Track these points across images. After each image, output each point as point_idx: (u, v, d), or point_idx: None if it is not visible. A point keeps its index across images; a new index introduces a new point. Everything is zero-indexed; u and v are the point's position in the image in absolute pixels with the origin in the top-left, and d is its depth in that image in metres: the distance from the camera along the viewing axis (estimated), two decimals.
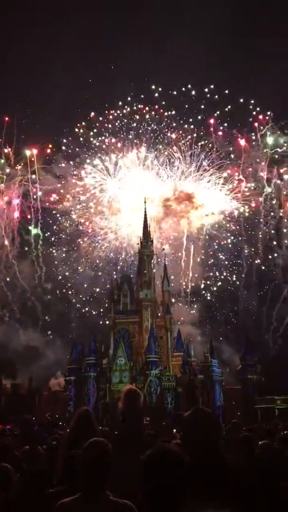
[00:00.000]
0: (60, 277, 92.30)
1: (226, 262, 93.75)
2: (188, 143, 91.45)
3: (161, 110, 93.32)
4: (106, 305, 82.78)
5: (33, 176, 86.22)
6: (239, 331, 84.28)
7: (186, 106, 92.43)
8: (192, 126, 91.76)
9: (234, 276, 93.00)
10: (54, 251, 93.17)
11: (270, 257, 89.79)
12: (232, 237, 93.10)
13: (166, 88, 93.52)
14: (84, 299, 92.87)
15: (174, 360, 74.68)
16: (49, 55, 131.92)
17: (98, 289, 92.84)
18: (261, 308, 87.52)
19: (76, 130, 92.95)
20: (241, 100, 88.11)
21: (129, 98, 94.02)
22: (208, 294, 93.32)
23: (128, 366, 69.97)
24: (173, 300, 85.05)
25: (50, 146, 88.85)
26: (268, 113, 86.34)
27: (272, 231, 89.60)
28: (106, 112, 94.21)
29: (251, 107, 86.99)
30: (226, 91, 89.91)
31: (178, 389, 68.27)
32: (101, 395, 69.50)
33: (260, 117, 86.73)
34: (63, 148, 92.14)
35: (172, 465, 2.22)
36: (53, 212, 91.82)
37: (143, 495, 2.21)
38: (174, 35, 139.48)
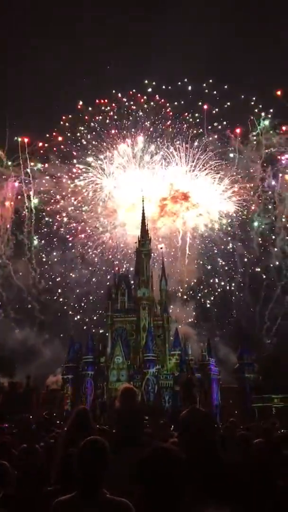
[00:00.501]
0: (56, 276, 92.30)
1: (221, 262, 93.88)
2: (184, 142, 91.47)
3: (157, 100, 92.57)
4: (104, 304, 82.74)
5: (27, 170, 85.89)
6: (234, 330, 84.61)
7: (182, 102, 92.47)
8: (189, 122, 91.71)
9: (228, 275, 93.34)
10: (49, 250, 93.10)
11: (263, 258, 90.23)
12: (226, 237, 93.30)
13: (161, 83, 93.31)
14: (83, 298, 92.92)
15: (171, 358, 74.80)
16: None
17: (95, 288, 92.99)
18: (255, 307, 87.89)
19: (62, 123, 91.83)
20: (242, 96, 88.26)
21: (119, 94, 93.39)
22: (203, 293, 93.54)
23: (125, 364, 70.09)
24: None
25: (40, 144, 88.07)
26: (271, 110, 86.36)
27: (267, 232, 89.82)
28: (97, 101, 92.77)
29: (252, 103, 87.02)
30: (226, 86, 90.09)
31: (176, 387, 68.34)
32: (99, 394, 69.56)
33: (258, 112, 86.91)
34: (53, 140, 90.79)
35: (169, 464, 2.23)
36: (46, 210, 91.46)
37: (141, 494, 2.22)
38: (173, 31, 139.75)
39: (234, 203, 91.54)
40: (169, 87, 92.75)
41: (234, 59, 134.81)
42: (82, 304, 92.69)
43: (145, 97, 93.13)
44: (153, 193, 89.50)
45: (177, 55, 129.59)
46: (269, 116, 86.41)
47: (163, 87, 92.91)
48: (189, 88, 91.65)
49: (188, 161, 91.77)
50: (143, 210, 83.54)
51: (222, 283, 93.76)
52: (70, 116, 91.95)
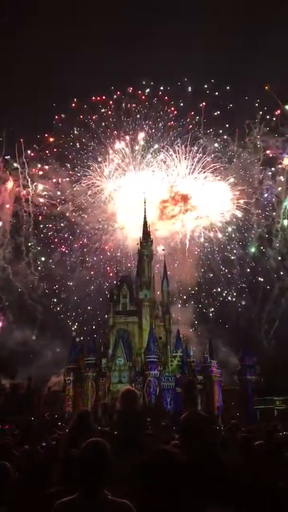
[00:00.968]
0: (57, 279, 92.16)
1: (220, 264, 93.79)
2: (183, 144, 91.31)
3: (159, 96, 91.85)
4: (106, 305, 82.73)
5: (25, 174, 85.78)
6: (234, 331, 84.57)
7: (182, 104, 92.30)
8: (190, 123, 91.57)
9: (227, 278, 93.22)
10: (49, 251, 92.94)
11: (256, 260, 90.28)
12: (225, 239, 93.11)
13: (160, 83, 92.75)
14: (86, 299, 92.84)
15: (173, 360, 74.75)
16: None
17: (96, 290, 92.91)
18: (254, 309, 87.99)
19: (55, 123, 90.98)
20: (246, 98, 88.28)
21: (118, 92, 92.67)
22: (202, 295, 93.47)
23: (127, 366, 70.03)
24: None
25: (35, 146, 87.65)
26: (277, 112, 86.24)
27: (267, 235, 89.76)
28: (93, 98, 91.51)
29: (256, 105, 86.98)
30: (228, 87, 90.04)
31: (177, 389, 68.29)
32: (100, 396, 69.55)
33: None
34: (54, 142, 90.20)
35: (171, 466, 2.24)
36: (46, 213, 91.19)
37: (142, 496, 2.24)
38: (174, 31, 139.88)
39: (234, 205, 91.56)
40: (168, 88, 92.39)
41: (236, 59, 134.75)
42: (84, 306, 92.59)
43: (146, 93, 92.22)
44: (153, 195, 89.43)
45: (177, 54, 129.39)
46: (272, 118, 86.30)
47: (161, 87, 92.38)
48: (189, 88, 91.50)
49: (188, 163, 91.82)
50: (144, 212, 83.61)
51: (221, 285, 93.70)
52: (63, 116, 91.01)
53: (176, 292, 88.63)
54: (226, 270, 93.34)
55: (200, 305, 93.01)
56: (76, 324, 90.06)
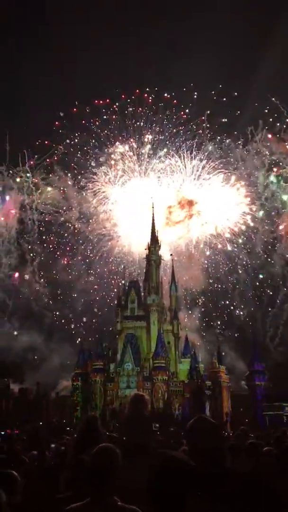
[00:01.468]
0: (64, 284, 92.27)
1: (225, 269, 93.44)
2: (189, 150, 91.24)
3: (166, 99, 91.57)
4: (114, 310, 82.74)
5: (30, 182, 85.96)
6: (240, 336, 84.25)
7: (187, 111, 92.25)
8: (196, 128, 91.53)
9: (232, 283, 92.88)
10: (56, 257, 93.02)
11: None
12: (231, 245, 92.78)
13: (164, 90, 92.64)
14: (94, 304, 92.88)
15: (181, 365, 74.47)
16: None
17: (103, 295, 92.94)
18: (259, 315, 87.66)
19: (54, 128, 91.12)
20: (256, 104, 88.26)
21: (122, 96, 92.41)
22: (209, 300, 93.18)
23: (135, 371, 69.85)
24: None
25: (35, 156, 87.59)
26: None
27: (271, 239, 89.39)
28: (96, 101, 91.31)
29: (266, 111, 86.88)
30: (235, 93, 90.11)
31: (186, 394, 67.99)
32: (109, 401, 69.41)
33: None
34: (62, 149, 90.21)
35: (179, 472, 2.25)
36: (51, 220, 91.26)
37: (151, 502, 2.24)
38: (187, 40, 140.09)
39: (239, 211, 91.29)
40: (173, 94, 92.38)
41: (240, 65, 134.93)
42: (91, 311, 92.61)
43: (151, 98, 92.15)
44: (159, 200, 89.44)
45: (184, 60, 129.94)
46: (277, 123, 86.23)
47: (166, 94, 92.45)
48: (195, 94, 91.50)
49: (194, 168, 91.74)
50: (152, 217, 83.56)
51: (226, 289, 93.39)
52: (65, 121, 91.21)
53: (182, 297, 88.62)
54: (232, 276, 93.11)
55: (206, 310, 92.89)
56: (84, 329, 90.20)
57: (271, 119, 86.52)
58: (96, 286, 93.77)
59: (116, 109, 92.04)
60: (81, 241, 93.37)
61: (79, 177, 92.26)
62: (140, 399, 4.39)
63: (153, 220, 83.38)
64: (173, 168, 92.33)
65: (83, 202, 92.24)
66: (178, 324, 79.30)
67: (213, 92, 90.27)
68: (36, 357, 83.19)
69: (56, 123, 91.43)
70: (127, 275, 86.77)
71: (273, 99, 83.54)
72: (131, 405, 4.33)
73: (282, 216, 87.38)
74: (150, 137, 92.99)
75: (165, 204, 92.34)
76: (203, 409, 61.66)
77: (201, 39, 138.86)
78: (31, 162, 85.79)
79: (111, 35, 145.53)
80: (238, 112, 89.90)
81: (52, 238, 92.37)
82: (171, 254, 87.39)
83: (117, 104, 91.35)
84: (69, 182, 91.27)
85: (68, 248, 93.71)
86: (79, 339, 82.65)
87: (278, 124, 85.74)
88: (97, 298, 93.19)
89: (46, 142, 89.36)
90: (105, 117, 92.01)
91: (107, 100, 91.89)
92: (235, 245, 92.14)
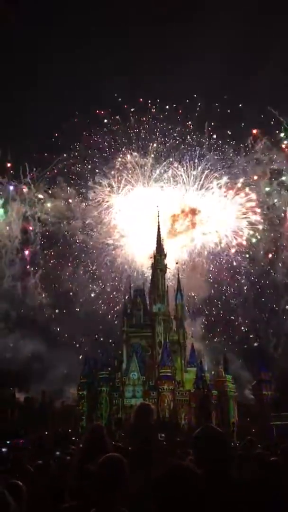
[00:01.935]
0: (69, 294, 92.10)
1: (228, 278, 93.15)
2: (192, 160, 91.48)
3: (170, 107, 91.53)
4: (119, 319, 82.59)
5: (32, 192, 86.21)
6: (244, 345, 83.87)
7: (189, 122, 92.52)
8: (198, 137, 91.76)
9: (236, 291, 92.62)
10: (61, 267, 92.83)
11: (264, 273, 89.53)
12: (234, 254, 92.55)
13: (167, 101, 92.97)
14: (99, 313, 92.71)
15: (187, 374, 74.05)
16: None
17: (108, 304, 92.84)
18: (261, 324, 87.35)
19: (53, 140, 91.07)
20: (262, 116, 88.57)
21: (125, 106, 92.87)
22: (213, 308, 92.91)
23: (141, 380, 69.50)
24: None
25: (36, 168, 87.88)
26: None
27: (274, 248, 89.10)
28: (97, 111, 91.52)
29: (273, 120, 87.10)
30: (240, 105, 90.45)
31: (192, 404, 67.53)
32: (114, 410, 69.07)
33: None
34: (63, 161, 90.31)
35: (185, 482, 2.23)
36: (55, 231, 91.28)
37: (157, 511, 2.23)
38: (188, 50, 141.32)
39: (241, 219, 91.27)
40: (174, 105, 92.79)
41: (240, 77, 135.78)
42: (96, 320, 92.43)
43: (154, 108, 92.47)
44: (163, 209, 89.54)
45: (187, 71, 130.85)
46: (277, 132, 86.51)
47: (167, 107, 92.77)
48: (198, 104, 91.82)
49: (197, 178, 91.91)
50: (158, 226, 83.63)
51: (229, 297, 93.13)
52: (64, 131, 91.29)
53: (186, 306, 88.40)
54: (234, 286, 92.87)
55: (209, 319, 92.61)
56: (89, 338, 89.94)
57: (276, 131, 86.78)
58: (100, 295, 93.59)
59: (119, 119, 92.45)
60: (85, 249, 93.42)
61: (82, 190, 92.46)
62: (146, 409, 4.38)
63: (158, 228, 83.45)
64: (176, 178, 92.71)
65: (86, 212, 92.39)
66: (184, 332, 79.04)
67: (217, 104, 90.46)
68: (41, 366, 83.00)
69: (56, 134, 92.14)
70: (132, 285, 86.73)
71: (272, 110, 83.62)
72: (135, 414, 4.32)
73: (285, 225, 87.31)
74: (154, 145, 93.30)
75: (168, 213, 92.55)
76: (210, 418, 61.18)
77: (202, 48, 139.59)
78: (32, 174, 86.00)
79: (111, 43, 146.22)
80: (242, 124, 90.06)
81: (56, 248, 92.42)
82: (176, 263, 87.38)
83: (120, 113, 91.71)
84: (72, 193, 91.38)
85: (72, 257, 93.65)
86: (85, 348, 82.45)
87: (277, 131, 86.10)
88: (103, 306, 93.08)
89: (45, 154, 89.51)
90: (105, 129, 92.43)
91: (109, 110, 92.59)
92: (238, 253, 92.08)
